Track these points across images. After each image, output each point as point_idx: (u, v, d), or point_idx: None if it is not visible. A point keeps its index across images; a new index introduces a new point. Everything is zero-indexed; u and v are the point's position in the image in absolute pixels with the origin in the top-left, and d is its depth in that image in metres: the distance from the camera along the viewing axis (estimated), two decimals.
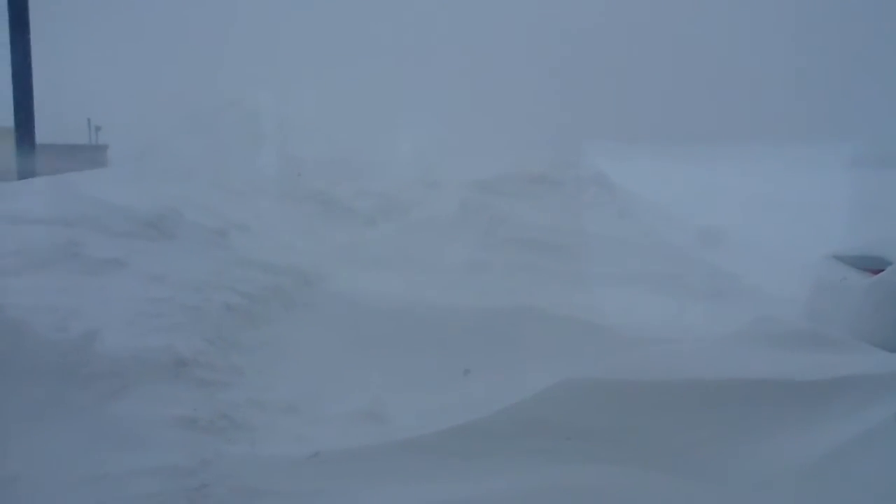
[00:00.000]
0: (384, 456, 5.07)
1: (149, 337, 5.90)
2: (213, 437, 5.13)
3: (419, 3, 26.81)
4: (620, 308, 8.10)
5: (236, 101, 19.53)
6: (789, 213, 14.56)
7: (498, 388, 6.11)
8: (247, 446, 5.10)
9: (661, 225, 13.33)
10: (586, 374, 5.55)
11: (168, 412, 5.23)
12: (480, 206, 11.53)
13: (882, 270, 6.65)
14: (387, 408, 5.91)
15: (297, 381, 6.14)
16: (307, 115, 19.43)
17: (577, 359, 6.37)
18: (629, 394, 5.45)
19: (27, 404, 5.05)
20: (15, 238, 6.79)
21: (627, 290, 8.97)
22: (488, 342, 6.93)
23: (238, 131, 17.63)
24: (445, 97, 21.77)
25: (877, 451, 4.16)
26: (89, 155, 17.25)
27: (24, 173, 11.80)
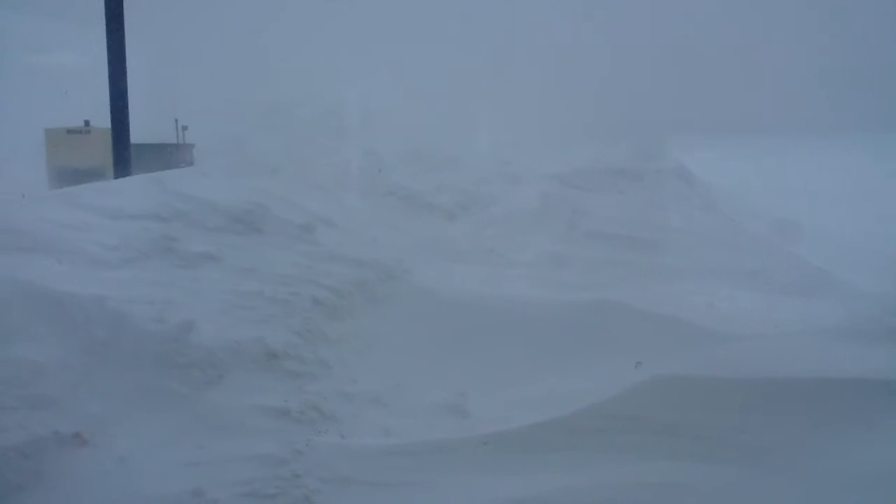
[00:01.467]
0: (468, 449, 5.14)
1: (241, 328, 6.10)
2: (304, 428, 5.28)
3: None
4: (705, 303, 7.96)
5: (316, 97, 19.92)
6: (869, 206, 14.05)
7: (581, 384, 6.10)
8: (336, 437, 5.23)
9: (742, 217, 13.02)
10: (674, 370, 5.50)
11: (261, 402, 5.42)
12: (561, 199, 11.47)
13: None
14: (469, 401, 5.97)
15: (382, 374, 6.25)
16: (386, 109, 19.67)
17: (662, 355, 6.30)
18: (718, 390, 5.38)
19: (130, 390, 5.31)
20: (115, 233, 7.10)
21: (712, 285, 8.79)
22: (571, 337, 6.90)
23: (318, 127, 17.98)
24: (523, 90, 21.69)
25: None
26: (177, 153, 17.83)
27: (121, 172, 12.31)
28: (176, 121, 19.02)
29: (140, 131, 13.63)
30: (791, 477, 4.55)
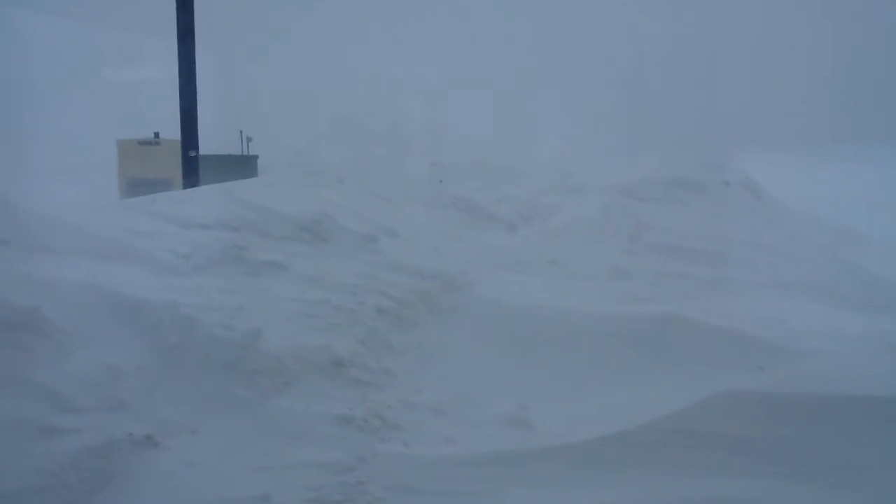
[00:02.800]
0: (532, 461, 5.12)
1: (307, 336, 6.20)
2: (368, 436, 5.33)
3: (556, 6, 26.72)
4: (773, 318, 7.79)
5: (378, 109, 20.19)
6: None
7: (645, 398, 6.04)
8: (399, 446, 5.27)
9: (808, 229, 12.73)
10: (742, 385, 5.40)
11: (326, 409, 5.49)
12: (623, 211, 11.38)
13: None
14: (532, 413, 5.95)
15: (445, 384, 6.27)
16: (450, 121, 19.83)
17: (728, 370, 6.21)
18: (786, 407, 5.27)
19: (200, 395, 5.44)
20: (185, 241, 7.30)
21: (779, 299, 8.62)
22: (634, 350, 6.84)
23: (381, 138, 18.22)
24: (584, 101, 21.59)
25: None
26: (242, 165, 18.26)
27: (189, 182, 12.66)
28: (241, 132, 19.49)
29: (206, 143, 13.98)
30: (859, 495, 4.43)
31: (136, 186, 15.36)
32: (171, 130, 15.81)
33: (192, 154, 12.87)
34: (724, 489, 4.70)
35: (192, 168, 12.96)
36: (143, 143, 16.89)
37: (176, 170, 15.88)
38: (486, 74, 23.74)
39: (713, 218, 11.79)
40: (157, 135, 16.96)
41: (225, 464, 4.94)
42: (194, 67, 12.93)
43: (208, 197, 8.65)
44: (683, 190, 12.70)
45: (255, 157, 18.89)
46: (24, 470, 4.40)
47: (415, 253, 8.58)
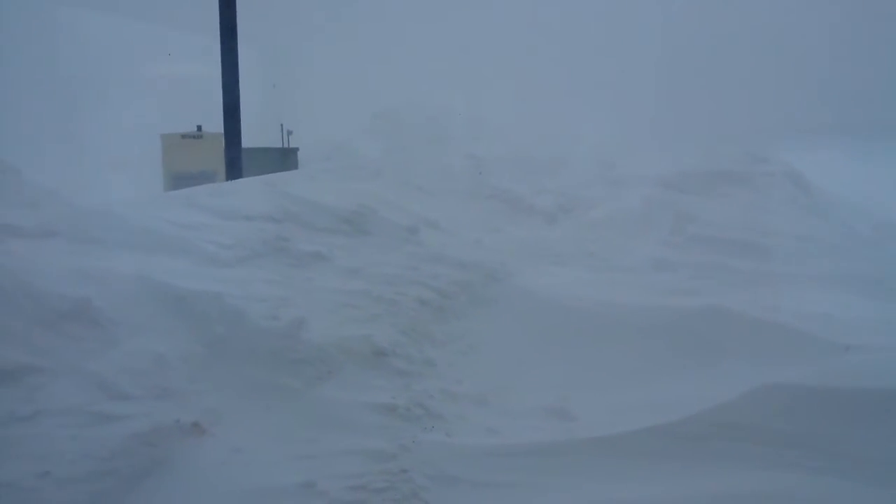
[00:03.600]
0: (574, 453, 5.12)
1: (349, 327, 6.26)
2: (411, 425, 5.38)
3: None
4: (819, 311, 7.65)
5: (416, 103, 20.24)
6: None
7: (688, 391, 5.99)
8: (442, 435, 5.30)
9: (854, 221, 12.48)
10: (789, 379, 5.33)
11: (369, 399, 5.54)
12: (664, 203, 11.26)
13: None
14: (573, 405, 5.94)
15: (486, 375, 6.30)
16: (487, 112, 19.80)
17: (773, 363, 6.12)
18: (833, 401, 5.20)
19: (245, 384, 5.53)
20: (230, 233, 7.41)
21: (826, 293, 8.46)
22: (677, 343, 6.78)
23: (418, 132, 18.27)
24: (624, 92, 21.40)
25: None
26: (283, 157, 18.44)
27: (232, 174, 12.82)
28: (282, 125, 19.69)
29: (247, 136, 14.13)
30: None
31: (179, 179, 15.60)
32: (214, 123, 16.06)
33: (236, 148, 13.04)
34: (768, 483, 4.66)
35: (235, 161, 13.12)
36: (187, 136, 17.14)
37: (219, 163, 16.10)
38: (524, 65, 23.65)
39: (757, 209, 11.61)
40: (199, 128, 17.20)
41: (270, 451, 5.02)
42: (237, 61, 13.07)
43: (252, 189, 8.75)
44: (726, 181, 12.52)
45: (296, 150, 19.07)
46: (77, 455, 4.52)
47: (455, 244, 8.60)
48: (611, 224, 10.82)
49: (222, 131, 14.71)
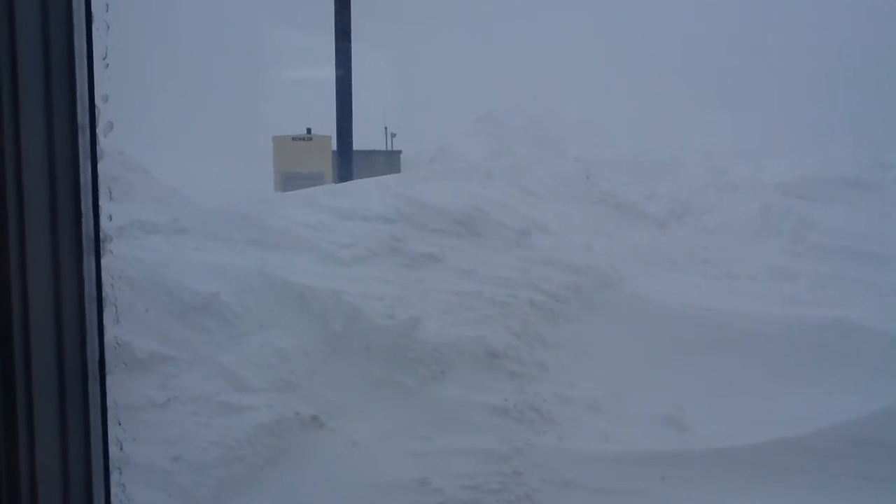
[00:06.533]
0: (692, 463, 5.02)
1: (462, 327, 6.32)
2: (523, 428, 5.38)
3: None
4: None
5: (519, 105, 20.17)
6: None
7: (811, 406, 5.77)
8: (554, 439, 5.28)
9: None
10: None
11: (482, 399, 5.59)
12: (785, 210, 10.84)
13: None
14: (688, 414, 5.82)
15: (598, 380, 6.23)
16: (592, 115, 19.57)
17: None
18: None
19: (363, 380, 5.67)
20: (346, 233, 7.60)
21: None
22: (798, 354, 6.53)
23: (523, 135, 18.21)
24: (740, 94, 20.73)
25: None
26: (386, 160, 18.79)
27: (343, 176, 13.15)
28: (385, 128, 20.05)
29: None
30: None
31: (290, 180, 16.09)
32: (322, 126, 16.48)
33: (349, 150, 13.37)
34: (890, 503, 4.45)
35: (346, 162, 13.43)
36: (297, 138, 17.65)
37: (326, 164, 16.54)
38: (633, 67, 23.25)
39: (883, 219, 11.03)
40: (309, 131, 17.70)
41: (386, 447, 5.13)
42: (350, 65, 13.38)
43: (366, 190, 8.95)
44: (851, 189, 11.94)
45: (399, 153, 19.38)
46: (207, 442, 4.74)
47: (566, 248, 8.54)
48: (726, 231, 10.51)
49: (330, 134, 15.10)
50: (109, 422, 1.25)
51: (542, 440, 5.24)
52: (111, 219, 1.28)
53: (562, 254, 8.20)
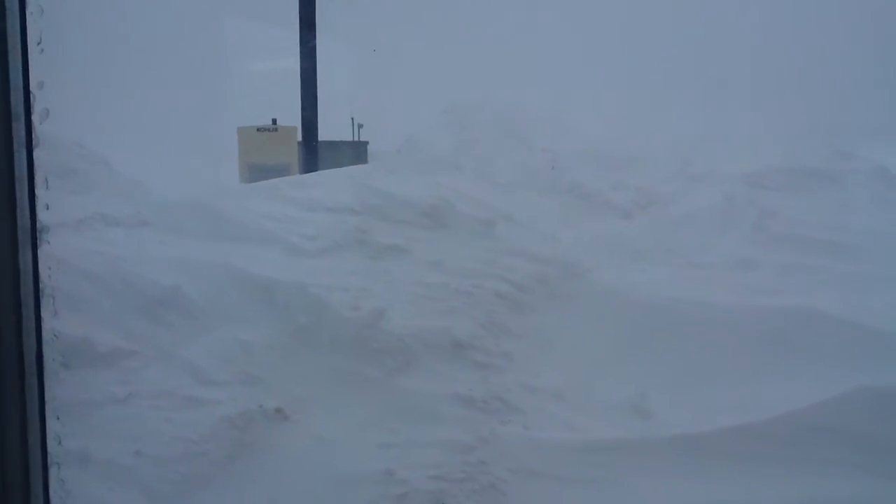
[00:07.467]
0: (654, 451, 5.06)
1: (428, 318, 6.32)
2: (489, 417, 5.40)
3: None
4: None
5: (489, 98, 20.18)
6: None
7: (772, 393, 5.85)
8: (520, 428, 5.30)
9: None
10: (883, 382, 5.15)
11: (448, 390, 5.59)
12: (747, 200, 10.97)
13: None
14: (652, 403, 5.87)
15: (564, 370, 6.27)
16: (559, 107, 19.62)
17: (864, 366, 5.92)
18: None
19: (328, 373, 5.65)
20: (312, 225, 7.57)
21: None
22: (760, 343, 6.62)
23: (491, 126, 18.21)
24: (703, 88, 20.95)
25: None
26: (353, 151, 18.65)
27: (309, 168, 13.07)
28: (352, 119, 19.91)
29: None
30: None
31: (256, 171, 15.94)
32: (288, 117, 16.33)
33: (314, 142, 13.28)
34: (849, 489, 4.53)
35: (312, 154, 13.35)
36: (262, 129, 17.47)
37: (293, 155, 16.40)
38: (598, 60, 23.37)
39: (844, 208, 11.22)
40: (274, 121, 17.54)
41: (351, 439, 5.11)
42: (315, 56, 13.29)
43: (332, 182, 8.91)
44: (812, 179, 12.12)
45: (366, 144, 19.27)
46: (169, 437, 4.68)
47: (532, 239, 8.57)
48: (690, 221, 10.61)
49: (297, 125, 14.97)
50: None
51: (507, 430, 5.25)
52: (48, 208, 1.25)
53: (528, 244, 8.23)
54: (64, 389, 4.72)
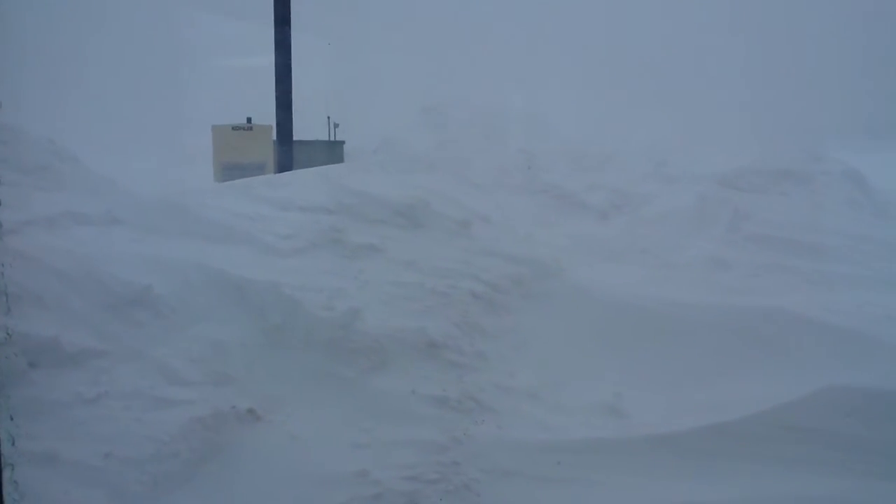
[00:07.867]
0: (628, 450, 5.10)
1: (403, 318, 6.30)
2: (462, 417, 5.40)
3: None
4: (884, 315, 7.45)
5: (463, 97, 20.19)
6: None
7: (745, 392, 5.89)
8: (493, 428, 5.31)
9: None
10: (853, 381, 5.22)
11: (422, 390, 5.58)
12: (720, 201, 11.06)
13: None
14: (626, 402, 5.90)
15: (538, 370, 6.28)
16: (535, 108, 19.67)
17: (835, 365, 6.00)
18: (893, 405, 5.08)
19: (302, 373, 5.61)
20: (286, 224, 7.51)
21: (885, 294, 8.23)
22: (732, 342, 6.67)
23: (468, 127, 18.21)
24: (678, 89, 21.08)
25: None
26: (329, 150, 18.58)
27: (283, 166, 12.96)
28: (328, 118, 19.81)
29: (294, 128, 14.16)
30: None
31: (230, 170, 15.81)
32: (263, 116, 16.20)
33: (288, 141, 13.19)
34: (822, 487, 4.59)
35: (287, 153, 13.26)
36: (237, 128, 17.34)
37: (268, 154, 16.28)
38: (581, 64, 23.45)
39: (815, 209, 11.35)
40: (249, 120, 17.41)
41: (324, 439, 5.08)
42: (290, 54, 13.18)
43: (307, 181, 8.85)
44: (784, 180, 12.24)
45: (342, 143, 19.19)
46: (140, 438, 4.62)
47: (507, 239, 8.57)
48: (664, 221, 10.66)
49: (272, 124, 14.85)
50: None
51: (481, 430, 5.26)
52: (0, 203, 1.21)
53: (503, 244, 8.23)
54: (32, 389, 4.65)
